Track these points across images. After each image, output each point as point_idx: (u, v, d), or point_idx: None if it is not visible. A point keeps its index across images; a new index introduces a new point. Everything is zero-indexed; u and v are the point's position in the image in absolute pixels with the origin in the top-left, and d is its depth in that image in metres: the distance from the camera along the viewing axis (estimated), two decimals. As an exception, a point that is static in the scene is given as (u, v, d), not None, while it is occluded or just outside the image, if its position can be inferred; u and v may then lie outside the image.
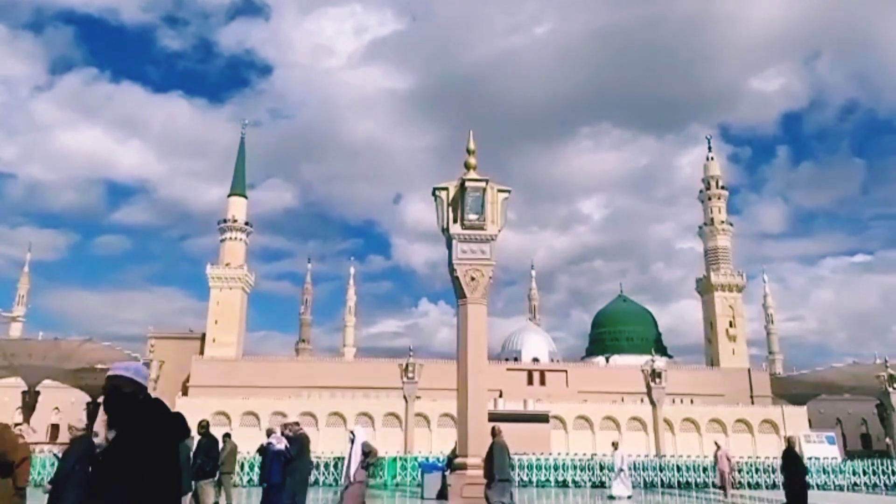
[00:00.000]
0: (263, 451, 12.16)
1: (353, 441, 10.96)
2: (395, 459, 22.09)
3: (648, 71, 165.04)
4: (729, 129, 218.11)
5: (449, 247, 15.93)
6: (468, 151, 16.36)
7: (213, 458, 13.04)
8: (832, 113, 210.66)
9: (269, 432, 12.66)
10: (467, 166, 16.22)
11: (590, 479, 22.90)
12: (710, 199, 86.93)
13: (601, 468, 23.10)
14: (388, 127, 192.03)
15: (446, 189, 16.01)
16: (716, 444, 20.86)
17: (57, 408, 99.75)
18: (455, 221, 15.79)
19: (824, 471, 23.30)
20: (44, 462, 22.50)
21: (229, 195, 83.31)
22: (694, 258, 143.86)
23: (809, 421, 67.02)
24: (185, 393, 68.93)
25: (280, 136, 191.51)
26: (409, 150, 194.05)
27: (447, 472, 15.43)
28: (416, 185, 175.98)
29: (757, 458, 26.11)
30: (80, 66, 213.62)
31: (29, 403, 66.15)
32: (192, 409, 60.83)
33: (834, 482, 23.16)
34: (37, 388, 66.88)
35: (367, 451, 10.80)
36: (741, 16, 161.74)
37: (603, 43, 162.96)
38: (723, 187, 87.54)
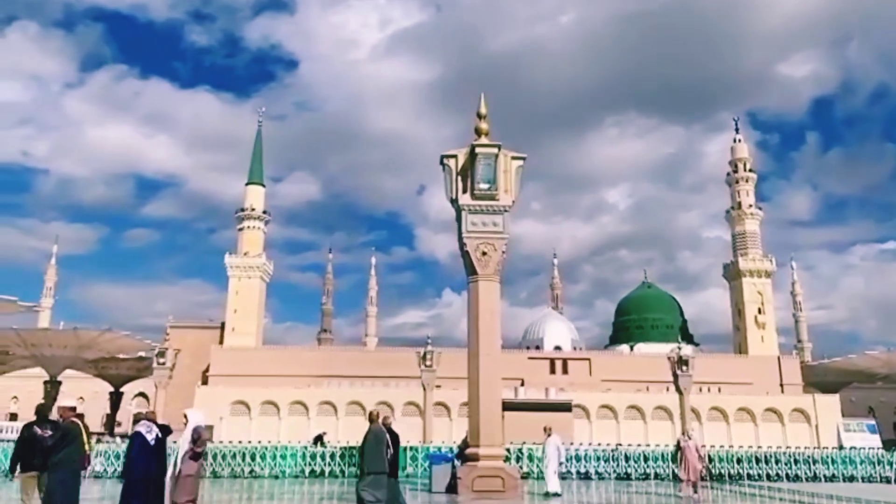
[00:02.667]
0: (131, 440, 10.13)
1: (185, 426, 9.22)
2: (405, 449, 20.89)
3: (674, 58, 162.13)
4: (757, 116, 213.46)
5: (458, 219, 14.68)
6: (479, 116, 15.03)
7: (42, 449, 11.19)
8: (862, 98, 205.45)
9: (137, 418, 10.55)
10: (478, 132, 14.89)
11: (614, 471, 21.52)
12: (737, 182, 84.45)
13: (627, 459, 21.68)
14: (412, 118, 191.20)
15: (455, 156, 14.75)
16: (685, 432, 17.42)
17: (81, 397, 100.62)
18: (465, 192, 14.54)
19: (869, 461, 21.66)
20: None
21: (247, 184, 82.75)
22: (721, 247, 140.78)
23: (841, 410, 64.93)
24: (204, 382, 68.60)
25: (305, 128, 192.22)
26: (433, 140, 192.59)
27: (457, 464, 14.30)
28: (439, 177, 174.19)
29: (797, 448, 24.49)
30: (110, 62, 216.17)
31: (50, 393, 66.19)
32: (212, 399, 60.80)
33: (880, 474, 21.55)
34: (59, 378, 66.97)
35: (196, 438, 9.03)
36: (768, 1, 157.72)
37: (628, 31, 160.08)
38: (751, 170, 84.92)
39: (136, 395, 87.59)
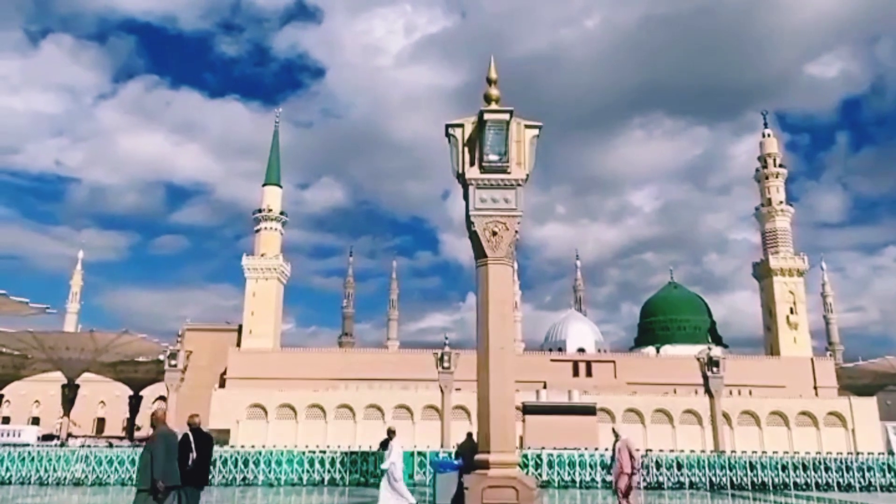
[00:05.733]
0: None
1: None
2: (411, 455, 19.14)
3: (702, 59, 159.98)
4: (785, 118, 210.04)
5: (465, 197, 12.96)
6: (489, 81, 13.32)
7: None
8: (893, 97, 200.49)
9: None
10: (487, 99, 13.17)
11: (644, 479, 19.61)
12: (766, 178, 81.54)
13: (658, 466, 19.76)
14: (437, 123, 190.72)
15: (461, 126, 13.05)
16: (614, 432, 14.45)
17: (102, 401, 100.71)
18: (472, 164, 12.82)
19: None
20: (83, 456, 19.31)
21: (264, 185, 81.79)
22: (748, 249, 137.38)
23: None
24: (222, 385, 67.68)
25: (331, 135, 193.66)
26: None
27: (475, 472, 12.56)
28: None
29: (849, 453, 22.33)
30: (142, 73, 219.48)
31: (68, 397, 65.77)
32: (229, 402, 59.76)
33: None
34: (77, 382, 66.47)
35: None
36: (797, 1, 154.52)
37: (654, 33, 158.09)
38: (781, 165, 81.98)
39: (156, 399, 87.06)
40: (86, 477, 18.05)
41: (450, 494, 12.63)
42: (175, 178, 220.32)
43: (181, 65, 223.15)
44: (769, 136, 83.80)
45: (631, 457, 13.37)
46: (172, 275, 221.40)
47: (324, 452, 18.98)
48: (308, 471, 18.49)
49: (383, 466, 11.42)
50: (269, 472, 18.52)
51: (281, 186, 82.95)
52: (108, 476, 17.93)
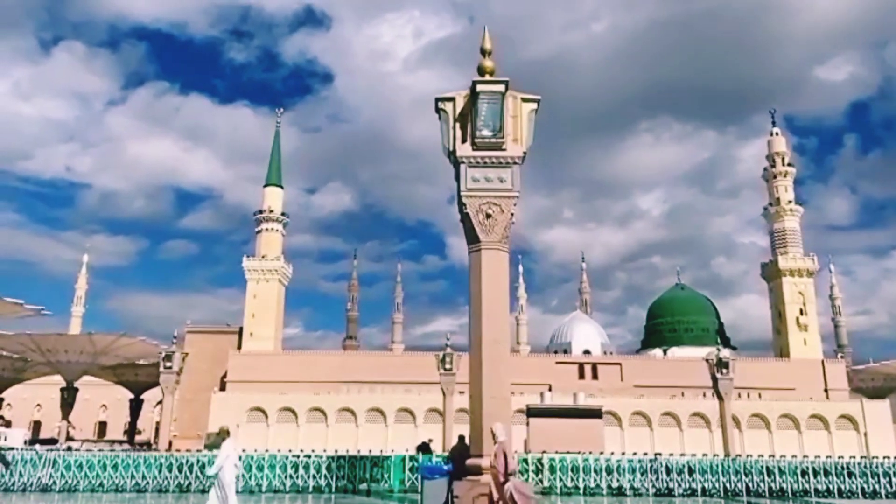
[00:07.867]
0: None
1: None
2: (402, 459, 18.00)
3: (710, 63, 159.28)
4: (793, 121, 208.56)
5: (457, 177, 11.94)
6: (483, 52, 12.32)
7: None
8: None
9: None
10: (481, 71, 12.17)
11: (653, 485, 18.42)
12: (775, 177, 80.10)
13: (668, 471, 18.53)
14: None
15: (452, 100, 12.06)
16: (492, 432, 10.72)
17: (104, 405, 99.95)
18: (464, 141, 11.79)
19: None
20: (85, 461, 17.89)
21: (265, 186, 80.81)
22: (756, 252, 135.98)
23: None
24: (222, 388, 66.71)
25: (340, 140, 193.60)
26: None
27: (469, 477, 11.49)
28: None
29: (874, 458, 21.04)
30: (152, 79, 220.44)
31: (67, 400, 64.97)
32: (229, 405, 58.69)
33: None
34: (77, 385, 65.70)
35: None
36: (805, 5, 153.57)
37: (662, 37, 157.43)
38: (790, 164, 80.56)
39: (157, 403, 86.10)
40: (53, 483, 17.00)
41: (438, 501, 11.55)
42: (184, 183, 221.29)
43: (191, 71, 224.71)
44: (777, 134, 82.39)
45: (507, 463, 11.25)
46: (180, 279, 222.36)
47: (308, 457, 17.85)
48: (292, 477, 17.36)
49: (209, 472, 10.32)
50: (250, 477, 17.31)
51: (282, 187, 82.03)
52: (78, 482, 16.88)
